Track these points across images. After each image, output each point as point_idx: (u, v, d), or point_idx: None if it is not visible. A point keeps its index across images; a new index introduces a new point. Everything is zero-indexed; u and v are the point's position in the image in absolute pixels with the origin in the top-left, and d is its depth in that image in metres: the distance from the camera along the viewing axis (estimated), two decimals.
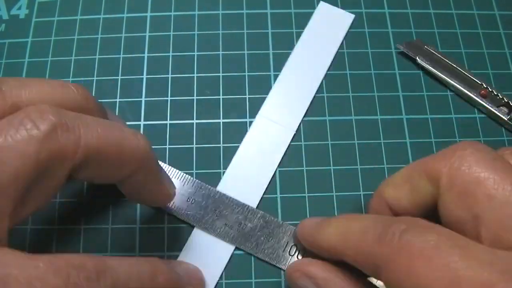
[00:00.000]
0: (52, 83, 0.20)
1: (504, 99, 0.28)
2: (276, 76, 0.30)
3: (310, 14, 0.31)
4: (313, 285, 0.21)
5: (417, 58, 0.30)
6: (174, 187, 0.23)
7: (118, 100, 0.29)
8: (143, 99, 0.29)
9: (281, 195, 0.27)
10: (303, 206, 0.26)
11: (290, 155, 0.28)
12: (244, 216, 0.25)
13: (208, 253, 0.25)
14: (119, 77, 0.30)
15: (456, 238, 0.16)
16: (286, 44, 0.30)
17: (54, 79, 0.20)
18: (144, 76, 0.30)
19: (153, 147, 0.27)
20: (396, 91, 0.29)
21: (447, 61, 0.30)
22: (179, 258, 0.25)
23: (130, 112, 0.29)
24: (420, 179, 0.20)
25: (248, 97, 0.29)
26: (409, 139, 0.28)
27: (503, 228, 0.16)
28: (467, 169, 0.18)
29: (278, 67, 0.30)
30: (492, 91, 0.29)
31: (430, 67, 0.29)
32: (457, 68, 0.29)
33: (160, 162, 0.24)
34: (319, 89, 0.29)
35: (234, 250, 0.25)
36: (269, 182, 0.27)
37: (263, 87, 0.29)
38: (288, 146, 0.28)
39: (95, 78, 0.29)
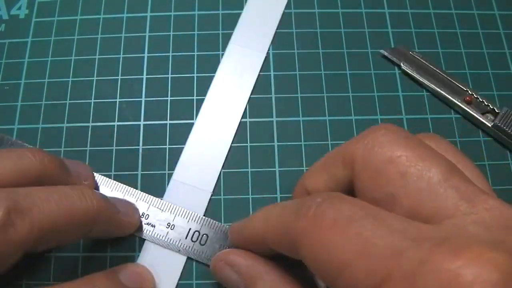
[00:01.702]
0: (9, 155, 0.20)
1: (489, 105, 0.28)
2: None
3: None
4: (235, 273, 0.21)
5: (402, 64, 0.29)
6: (138, 213, 0.25)
7: (118, 100, 0.29)
8: (143, 99, 0.29)
9: (225, 197, 0.27)
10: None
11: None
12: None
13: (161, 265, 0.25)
14: (119, 77, 0.30)
15: (370, 208, 0.16)
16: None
17: (14, 149, 0.21)
18: (144, 76, 0.30)
19: (153, 147, 0.27)
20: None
21: (430, 66, 0.29)
22: None
23: (130, 112, 0.29)
24: (336, 164, 0.20)
25: (250, 97, 0.29)
26: None
27: (416, 202, 0.16)
28: (380, 149, 0.18)
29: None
30: (477, 97, 0.28)
31: (414, 74, 0.29)
32: (440, 74, 0.29)
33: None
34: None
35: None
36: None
37: (265, 86, 0.29)
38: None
39: (95, 78, 0.29)
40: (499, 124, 0.27)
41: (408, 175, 0.17)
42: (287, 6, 0.32)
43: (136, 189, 0.26)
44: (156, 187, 0.27)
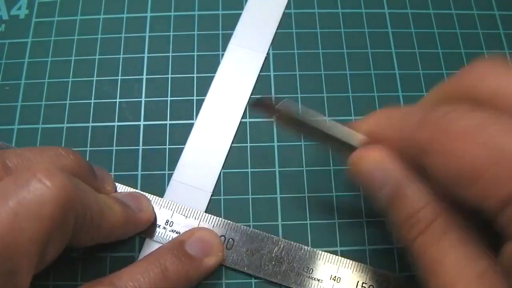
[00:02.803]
0: (48, 152, 0.21)
1: None
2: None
3: None
4: (382, 170, 0.19)
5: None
6: (151, 205, 0.25)
7: (118, 100, 0.29)
8: (143, 99, 0.29)
9: (225, 197, 0.27)
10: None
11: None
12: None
13: None
14: (119, 77, 0.30)
15: (501, 117, 0.15)
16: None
17: (48, 147, 0.21)
18: (144, 76, 0.30)
19: (153, 147, 0.27)
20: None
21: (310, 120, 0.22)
22: None
23: (130, 112, 0.29)
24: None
25: (250, 97, 0.29)
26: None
27: None
28: (485, 82, 0.17)
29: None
30: None
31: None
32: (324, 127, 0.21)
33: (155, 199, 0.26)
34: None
35: None
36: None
37: (265, 86, 0.29)
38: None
39: (95, 78, 0.29)
40: None
41: None
42: (287, 6, 0.32)
43: (136, 189, 0.26)
44: (156, 187, 0.27)
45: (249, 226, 0.26)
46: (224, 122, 0.28)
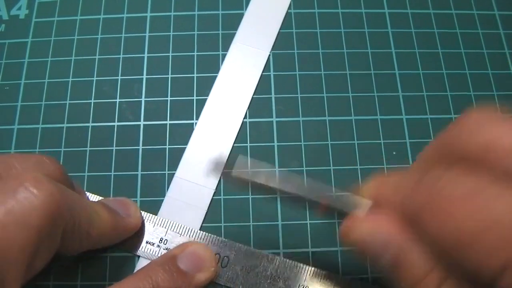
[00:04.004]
0: (32, 159, 0.20)
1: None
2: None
3: None
4: (382, 234, 0.18)
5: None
6: (138, 210, 0.25)
7: (118, 100, 0.29)
8: (143, 99, 0.29)
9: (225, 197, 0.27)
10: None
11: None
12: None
13: None
14: (119, 77, 0.30)
15: (494, 180, 0.15)
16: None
17: (31, 154, 0.21)
18: (144, 76, 0.30)
19: (153, 147, 0.27)
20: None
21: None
22: None
23: (130, 112, 0.29)
24: (434, 164, 0.18)
25: (254, 97, 0.29)
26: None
27: None
28: (478, 133, 0.17)
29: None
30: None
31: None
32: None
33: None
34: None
35: None
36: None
37: (265, 86, 0.29)
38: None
39: (95, 78, 0.29)
40: None
41: None
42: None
43: (136, 189, 0.26)
44: (156, 187, 0.27)
45: (249, 226, 0.26)
46: (226, 121, 0.28)
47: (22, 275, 0.17)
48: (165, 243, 0.25)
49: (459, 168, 0.16)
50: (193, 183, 0.27)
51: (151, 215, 0.26)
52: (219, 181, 0.27)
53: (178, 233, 0.25)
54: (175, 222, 0.25)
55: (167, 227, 0.25)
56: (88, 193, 0.26)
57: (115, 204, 0.24)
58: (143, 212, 0.25)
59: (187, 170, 0.27)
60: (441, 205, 0.15)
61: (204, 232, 0.25)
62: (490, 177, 0.15)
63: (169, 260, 0.23)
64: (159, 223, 0.25)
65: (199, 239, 0.25)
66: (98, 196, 0.26)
